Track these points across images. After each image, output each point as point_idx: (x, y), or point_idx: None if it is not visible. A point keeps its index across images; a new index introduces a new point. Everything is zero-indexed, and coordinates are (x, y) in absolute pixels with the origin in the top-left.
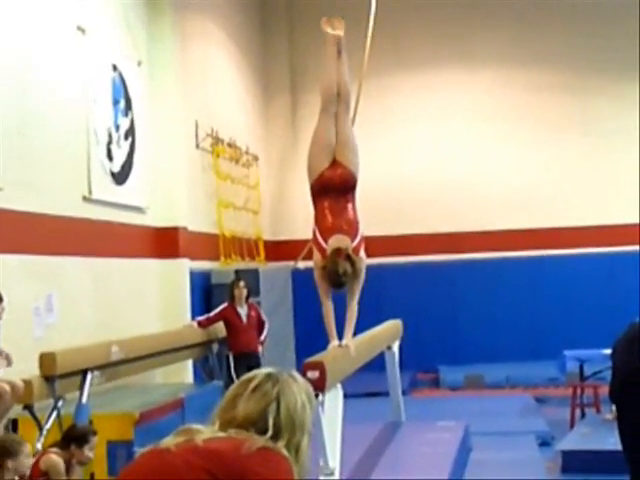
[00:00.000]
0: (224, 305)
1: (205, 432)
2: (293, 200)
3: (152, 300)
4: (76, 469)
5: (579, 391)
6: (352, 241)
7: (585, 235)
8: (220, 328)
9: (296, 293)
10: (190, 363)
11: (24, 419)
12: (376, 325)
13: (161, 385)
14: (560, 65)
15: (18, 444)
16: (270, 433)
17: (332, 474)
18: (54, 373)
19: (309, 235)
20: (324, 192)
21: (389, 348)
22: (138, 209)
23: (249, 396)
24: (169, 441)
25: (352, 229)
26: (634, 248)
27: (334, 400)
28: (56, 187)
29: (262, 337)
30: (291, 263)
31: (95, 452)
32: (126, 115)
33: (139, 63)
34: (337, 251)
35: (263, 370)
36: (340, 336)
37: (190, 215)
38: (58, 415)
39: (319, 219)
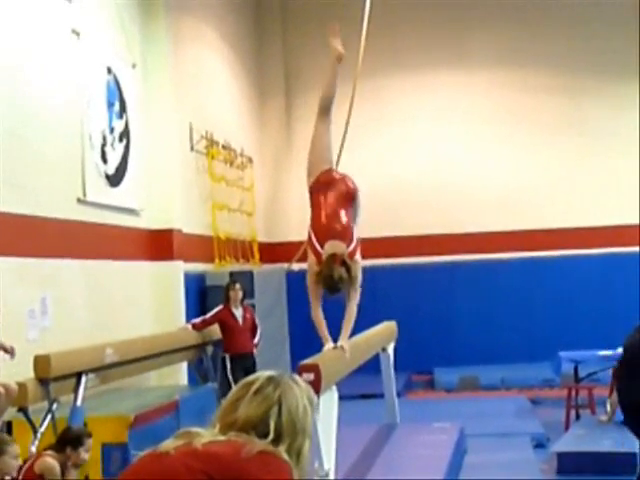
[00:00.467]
0: (219, 307)
1: (205, 435)
2: (288, 202)
3: (146, 302)
4: (71, 472)
5: (574, 393)
6: (348, 246)
7: (582, 236)
8: (214, 330)
9: (291, 295)
10: (184, 365)
11: (19, 422)
12: (371, 327)
13: (155, 387)
14: (558, 67)
15: (5, 444)
16: (271, 437)
17: (327, 476)
18: (49, 376)
19: (304, 237)
20: (322, 194)
21: (384, 350)
22: (132, 211)
23: (250, 399)
24: (168, 444)
25: (348, 233)
26: (632, 249)
27: (329, 402)
28: (50, 189)
29: (255, 340)
30: (286, 265)
31: (90, 454)
32: (121, 117)
33: (133, 66)
34: (333, 257)
35: (264, 373)
36: (336, 338)
37: (185, 217)
38: (53, 418)
39: (315, 222)
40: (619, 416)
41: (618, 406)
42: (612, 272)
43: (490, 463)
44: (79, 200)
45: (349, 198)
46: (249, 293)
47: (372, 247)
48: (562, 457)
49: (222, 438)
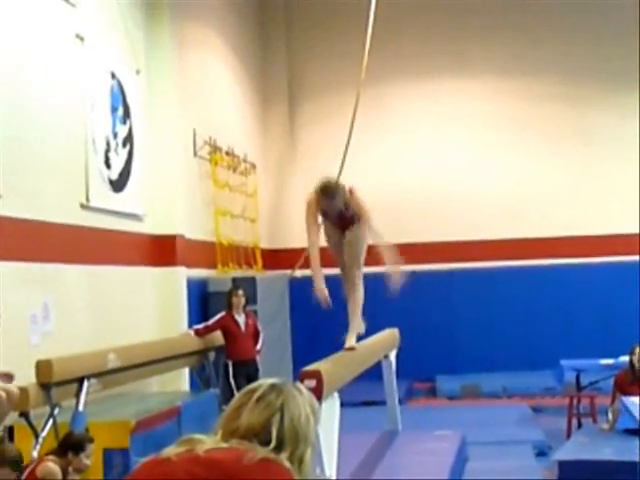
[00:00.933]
0: (222, 314)
1: (207, 442)
2: (291, 208)
3: (149, 308)
4: (73, 477)
5: (576, 401)
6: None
7: (585, 245)
8: (217, 336)
9: (293, 301)
10: (186, 371)
11: (20, 426)
12: (373, 334)
13: (157, 393)
14: (561, 75)
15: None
16: (273, 444)
17: None
18: (50, 380)
19: (306, 243)
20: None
21: (386, 357)
22: (136, 217)
23: (253, 406)
24: (170, 451)
25: None
26: (633, 258)
27: (331, 409)
28: (54, 194)
29: (258, 347)
30: (288, 271)
31: (91, 460)
32: (124, 123)
33: (137, 71)
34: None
35: (267, 381)
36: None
37: (187, 223)
38: (54, 423)
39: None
40: (621, 425)
41: (619, 415)
42: (615, 281)
43: (491, 471)
44: (82, 205)
45: None
46: (251, 299)
47: (374, 254)
48: (564, 465)
49: (224, 445)
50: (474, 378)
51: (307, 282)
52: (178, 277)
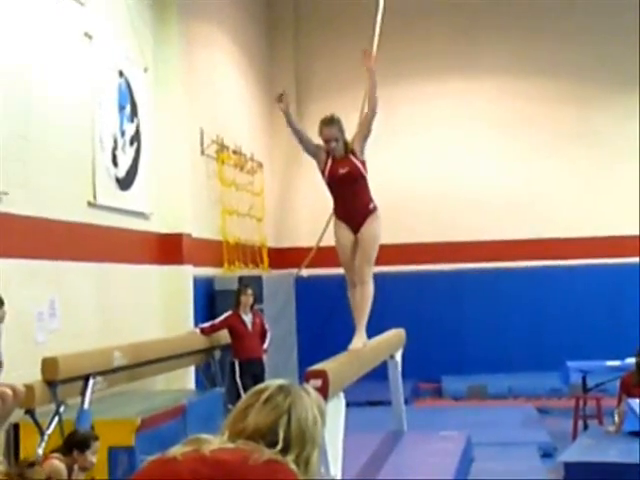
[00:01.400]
0: (229, 313)
1: (213, 442)
2: (297, 207)
3: (155, 306)
4: (78, 475)
5: (582, 402)
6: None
7: (590, 246)
8: (223, 335)
9: (299, 301)
10: (192, 370)
11: (26, 424)
12: (379, 334)
13: (163, 391)
14: (568, 76)
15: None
16: (280, 446)
17: None
18: (56, 378)
19: (313, 242)
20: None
21: (392, 357)
22: (142, 215)
23: (260, 408)
24: (176, 450)
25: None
26: (637, 260)
27: (336, 408)
28: (61, 192)
29: (265, 346)
30: (295, 270)
31: (97, 458)
32: (132, 121)
33: (145, 69)
34: None
35: (275, 382)
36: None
37: (194, 221)
38: (60, 420)
39: None
40: (627, 427)
41: (625, 416)
42: (622, 282)
43: (497, 472)
44: (89, 203)
45: None
46: (258, 298)
47: (381, 254)
48: (569, 467)
49: (230, 445)
50: (480, 379)
51: (313, 281)
52: (184, 275)
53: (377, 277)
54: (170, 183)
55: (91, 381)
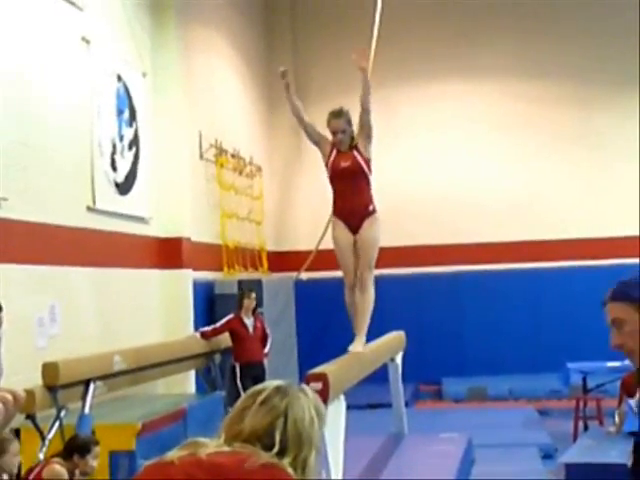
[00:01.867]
0: (230, 316)
1: (210, 446)
2: (296, 211)
3: (155, 310)
4: (79, 479)
5: (582, 404)
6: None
7: (590, 247)
8: (223, 339)
9: (299, 304)
10: (192, 373)
11: (26, 429)
12: (379, 336)
13: (163, 395)
14: (569, 77)
15: (7, 441)
16: (276, 448)
17: None
18: (57, 383)
19: (312, 246)
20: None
21: (392, 360)
22: (142, 219)
23: (257, 409)
24: (173, 454)
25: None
26: (637, 260)
27: (337, 411)
28: (60, 197)
29: (266, 350)
30: (294, 274)
31: (97, 462)
32: (130, 125)
33: (144, 74)
34: None
35: (273, 383)
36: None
37: (193, 225)
38: (60, 425)
39: None
40: (627, 427)
41: (626, 417)
42: None
43: (498, 474)
44: (88, 208)
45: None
46: (258, 302)
47: (381, 257)
48: (570, 468)
49: (227, 449)
50: (480, 381)
51: (313, 284)
52: (184, 280)
53: (377, 280)
54: (169, 187)
55: (92, 386)
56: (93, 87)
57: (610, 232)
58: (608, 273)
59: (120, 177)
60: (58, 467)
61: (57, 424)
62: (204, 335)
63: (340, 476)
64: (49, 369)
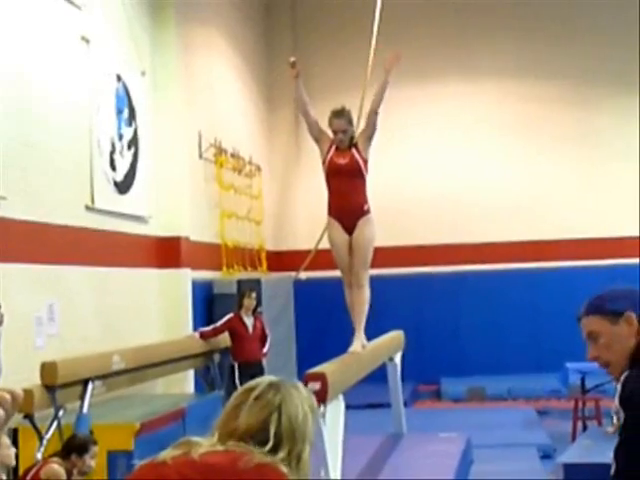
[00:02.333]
0: (230, 315)
1: (204, 445)
2: (296, 210)
3: (154, 310)
4: (77, 479)
5: (581, 404)
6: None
7: (590, 248)
8: (222, 338)
9: (298, 304)
10: (191, 373)
11: (24, 428)
12: (378, 336)
13: (162, 395)
14: (569, 78)
15: None
16: (271, 444)
17: None
18: (55, 383)
19: (311, 245)
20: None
21: (391, 359)
22: (141, 219)
23: (251, 405)
24: (167, 454)
25: None
26: (636, 261)
27: (335, 411)
28: (59, 196)
29: (265, 350)
30: (293, 273)
31: (95, 462)
32: (129, 125)
33: (143, 73)
34: None
35: (265, 379)
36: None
37: (192, 225)
38: (59, 425)
39: None
40: None
41: None
42: (622, 283)
43: (496, 473)
44: (87, 207)
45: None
46: (257, 301)
47: (380, 257)
48: (569, 468)
49: (220, 448)
50: (479, 381)
51: (312, 284)
52: (183, 279)
53: (376, 280)
54: (168, 187)
55: (90, 385)
56: (92, 86)
57: (610, 232)
58: (608, 273)
59: (119, 176)
60: (56, 467)
61: (55, 424)
62: (204, 335)
63: (339, 476)
64: (47, 369)
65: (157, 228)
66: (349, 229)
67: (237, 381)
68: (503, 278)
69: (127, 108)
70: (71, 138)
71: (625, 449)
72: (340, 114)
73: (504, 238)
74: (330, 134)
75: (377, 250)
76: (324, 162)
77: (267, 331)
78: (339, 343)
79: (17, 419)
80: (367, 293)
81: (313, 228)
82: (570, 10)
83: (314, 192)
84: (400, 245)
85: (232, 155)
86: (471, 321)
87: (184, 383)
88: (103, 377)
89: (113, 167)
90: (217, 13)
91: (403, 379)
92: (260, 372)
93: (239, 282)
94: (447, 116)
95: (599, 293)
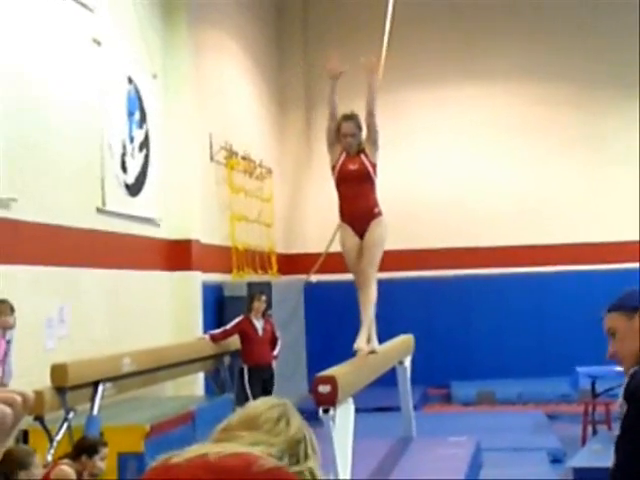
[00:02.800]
0: (240, 318)
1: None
2: (306, 213)
3: (164, 312)
4: None
5: (591, 408)
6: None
7: (599, 251)
8: (232, 341)
9: (308, 307)
10: (201, 376)
11: (35, 430)
12: (388, 340)
13: (172, 397)
14: (576, 81)
15: (29, 455)
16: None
17: None
18: (65, 384)
19: (322, 248)
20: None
21: (401, 363)
22: (151, 221)
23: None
24: (182, 455)
25: None
26: None
27: (345, 414)
28: (70, 198)
29: (275, 352)
30: (303, 276)
31: (106, 464)
32: (141, 127)
33: (154, 76)
34: None
35: (267, 403)
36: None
37: (203, 227)
38: (69, 427)
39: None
40: None
41: None
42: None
43: (506, 477)
44: (98, 209)
45: None
46: (267, 304)
47: (390, 260)
48: (578, 472)
49: (234, 450)
50: (489, 384)
51: (322, 287)
52: (193, 282)
53: (387, 283)
54: (179, 189)
55: (100, 387)
56: (104, 88)
57: (619, 236)
58: (618, 277)
59: (130, 179)
60: (66, 468)
61: (65, 426)
62: (214, 338)
63: (348, 479)
64: (58, 370)
65: (168, 231)
66: (361, 233)
67: (247, 384)
68: (513, 282)
69: (138, 110)
70: (82, 140)
71: (626, 442)
72: (350, 118)
73: (513, 242)
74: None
75: (386, 254)
76: (333, 168)
77: (277, 334)
78: (349, 346)
79: (28, 421)
80: (374, 293)
81: (324, 231)
82: (578, 13)
83: (325, 195)
84: (409, 249)
85: (243, 158)
86: (481, 325)
87: (194, 385)
88: (113, 379)
89: (124, 169)
90: (228, 15)
91: (413, 382)
92: (270, 375)
93: (249, 285)
94: (454, 119)
95: (624, 292)
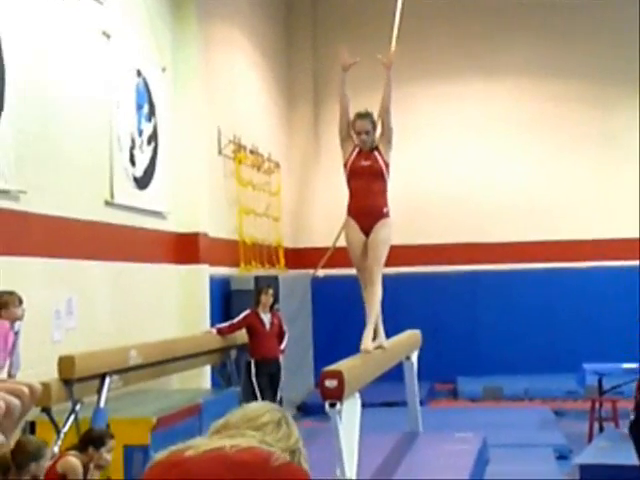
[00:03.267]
0: (247, 312)
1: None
2: (314, 208)
3: (171, 305)
4: (94, 472)
5: (598, 405)
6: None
7: (607, 248)
8: (239, 334)
9: (315, 301)
10: (208, 369)
11: (42, 422)
12: (395, 335)
13: (179, 390)
14: (584, 77)
15: (42, 448)
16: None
17: None
18: (73, 376)
19: (329, 243)
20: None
21: (408, 358)
22: (159, 214)
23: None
24: (198, 444)
25: None
26: None
27: (352, 409)
28: (78, 191)
29: (282, 346)
30: (311, 271)
31: (112, 456)
32: (149, 120)
33: (163, 69)
34: None
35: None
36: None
37: (211, 221)
38: (76, 418)
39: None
40: None
41: None
42: (638, 284)
43: (512, 474)
44: (107, 202)
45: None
46: (274, 298)
47: (397, 256)
48: (585, 469)
49: (251, 445)
50: (496, 380)
51: (330, 281)
52: (201, 275)
53: (394, 279)
54: (187, 183)
55: (107, 380)
56: (113, 81)
57: (629, 233)
58: (626, 274)
59: (139, 172)
60: (73, 459)
61: (72, 417)
62: (221, 331)
63: (354, 474)
64: (65, 362)
65: (176, 224)
66: (366, 230)
67: (254, 377)
68: (520, 278)
69: (147, 104)
70: (91, 133)
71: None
72: (364, 116)
73: (521, 238)
74: (354, 138)
75: (394, 249)
76: (346, 164)
77: (285, 328)
78: (356, 341)
79: (35, 412)
80: (379, 291)
81: (331, 225)
82: (589, 9)
83: (333, 189)
84: (417, 244)
85: (251, 152)
86: (488, 320)
87: (201, 379)
88: (120, 372)
89: (133, 162)
90: (238, 10)
91: (419, 378)
92: (277, 369)
93: (257, 279)
94: (464, 115)
95: None
